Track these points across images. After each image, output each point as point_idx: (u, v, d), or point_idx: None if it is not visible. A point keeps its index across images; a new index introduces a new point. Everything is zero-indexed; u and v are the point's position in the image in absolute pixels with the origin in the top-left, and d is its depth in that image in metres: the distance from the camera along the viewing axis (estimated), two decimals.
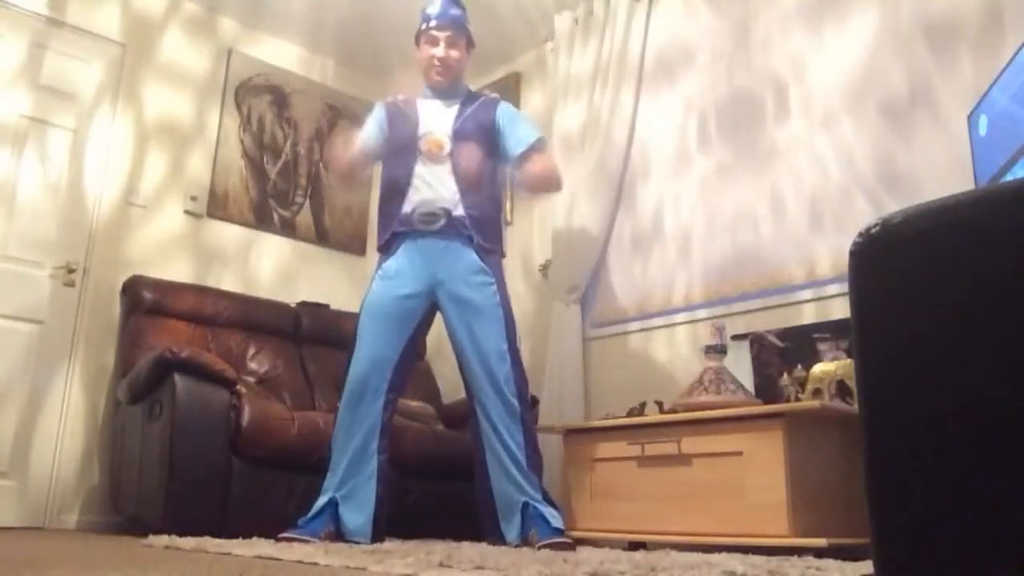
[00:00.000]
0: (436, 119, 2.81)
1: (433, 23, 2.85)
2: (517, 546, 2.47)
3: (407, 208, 2.71)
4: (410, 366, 2.78)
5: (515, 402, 2.60)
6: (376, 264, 2.80)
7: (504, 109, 2.91)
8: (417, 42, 2.92)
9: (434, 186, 2.71)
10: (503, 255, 2.87)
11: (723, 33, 3.42)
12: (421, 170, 2.74)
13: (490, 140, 2.82)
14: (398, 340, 2.66)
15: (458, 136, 2.77)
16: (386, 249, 2.76)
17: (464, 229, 2.70)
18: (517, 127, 2.85)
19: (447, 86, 2.86)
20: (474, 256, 2.69)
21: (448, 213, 2.69)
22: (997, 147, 2.09)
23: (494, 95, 3.04)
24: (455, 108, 2.84)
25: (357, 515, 2.53)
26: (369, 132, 2.91)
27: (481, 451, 2.62)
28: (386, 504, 2.60)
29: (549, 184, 2.94)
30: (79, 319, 3.45)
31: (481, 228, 2.72)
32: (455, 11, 2.89)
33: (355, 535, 2.51)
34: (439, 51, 2.83)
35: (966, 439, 0.83)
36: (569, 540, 2.42)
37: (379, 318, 2.66)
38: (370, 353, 2.62)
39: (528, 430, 2.63)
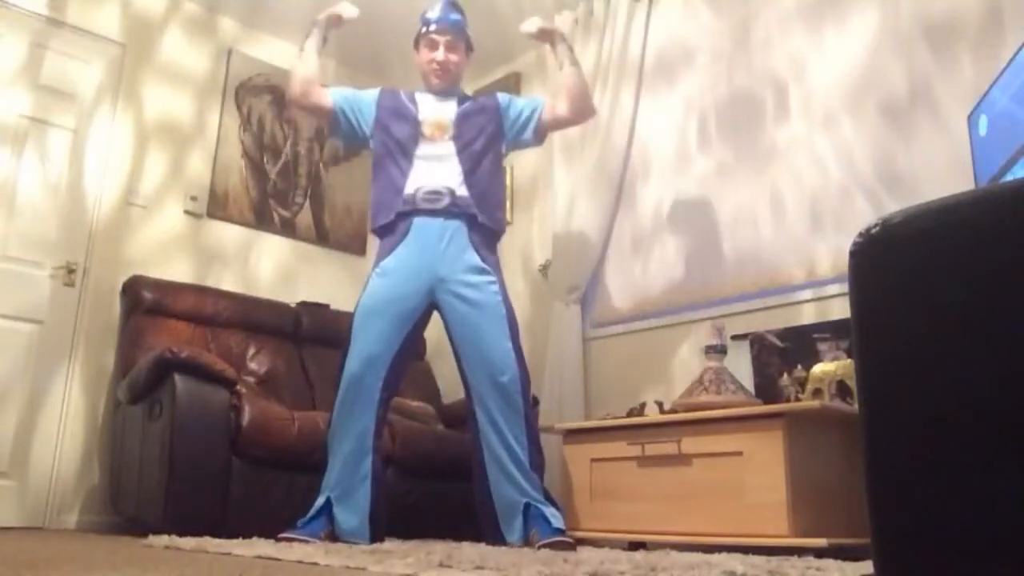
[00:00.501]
0: (437, 106, 2.85)
1: (433, 27, 2.88)
2: (519, 547, 2.46)
3: (410, 189, 2.71)
4: (406, 365, 2.77)
5: (520, 400, 2.60)
6: (374, 259, 2.78)
7: (503, 95, 3.00)
8: (416, 46, 2.94)
9: (437, 168, 2.73)
10: (503, 231, 2.89)
11: (723, 33, 3.42)
12: (424, 151, 2.75)
13: (494, 124, 2.86)
14: (394, 339, 2.64)
15: (462, 118, 2.80)
16: (388, 231, 2.74)
17: (468, 207, 2.70)
18: (524, 102, 2.98)
19: (445, 89, 2.89)
20: (475, 255, 2.69)
21: (452, 192, 2.70)
22: (997, 147, 2.09)
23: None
24: (454, 101, 2.88)
25: (351, 516, 2.52)
26: (343, 91, 2.95)
27: (480, 452, 2.60)
28: (383, 504, 2.60)
29: (585, 95, 2.96)
30: (79, 319, 3.45)
31: (484, 206, 2.73)
32: (455, 16, 2.91)
33: (350, 536, 2.50)
34: (439, 55, 2.86)
35: (966, 439, 0.83)
36: (570, 540, 2.42)
37: (375, 316, 2.64)
38: (365, 351, 2.60)
39: (532, 428, 2.63)
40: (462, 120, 2.81)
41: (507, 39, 4.17)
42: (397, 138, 2.79)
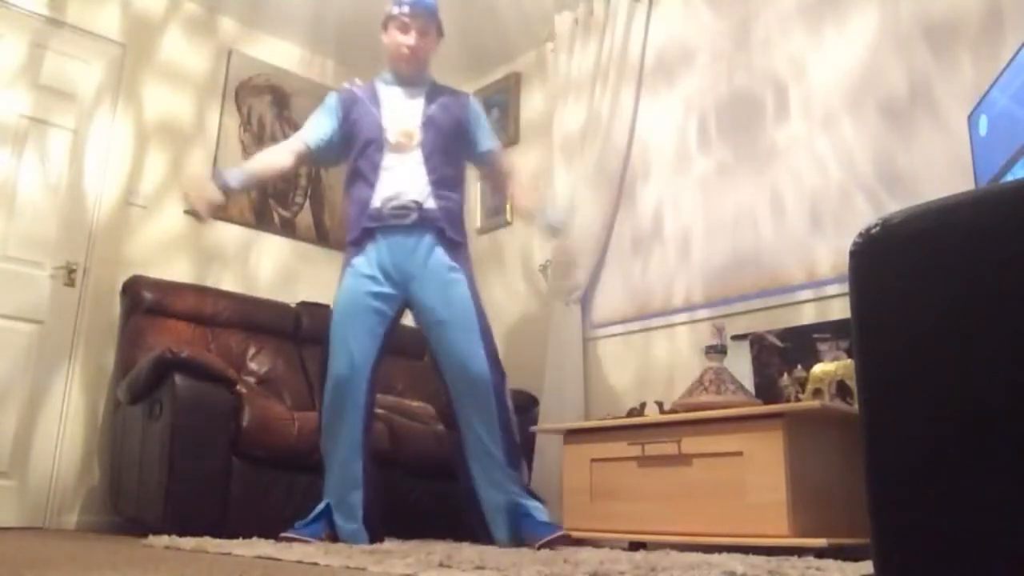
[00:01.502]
0: (402, 109, 2.78)
1: (406, 9, 2.79)
2: (518, 546, 2.46)
3: (376, 202, 2.67)
4: (384, 360, 2.74)
5: (491, 398, 2.59)
6: (344, 259, 2.75)
7: (475, 107, 2.94)
8: (385, 26, 2.85)
9: (404, 178, 2.68)
10: (467, 243, 2.86)
11: (723, 33, 3.42)
12: (389, 162, 2.70)
13: (460, 133, 2.82)
14: (375, 337, 2.63)
15: (427, 126, 2.75)
16: (356, 244, 2.71)
17: (436, 222, 2.67)
18: (486, 130, 2.95)
19: (413, 74, 2.84)
20: (443, 253, 2.67)
21: (419, 206, 2.66)
22: (997, 147, 2.09)
23: (463, 91, 3.07)
24: (420, 99, 2.82)
25: (349, 521, 2.53)
26: (306, 128, 2.86)
27: (462, 451, 2.62)
28: (375, 505, 2.59)
29: (513, 179, 3.00)
30: (79, 319, 3.45)
31: (452, 221, 2.71)
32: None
33: (350, 539, 2.51)
34: (410, 39, 2.78)
35: (966, 439, 0.83)
36: (566, 533, 2.43)
37: (353, 316, 2.63)
38: (348, 353, 2.59)
39: (504, 418, 2.61)
40: (428, 125, 2.75)
41: (507, 39, 4.17)
42: (363, 148, 2.73)
